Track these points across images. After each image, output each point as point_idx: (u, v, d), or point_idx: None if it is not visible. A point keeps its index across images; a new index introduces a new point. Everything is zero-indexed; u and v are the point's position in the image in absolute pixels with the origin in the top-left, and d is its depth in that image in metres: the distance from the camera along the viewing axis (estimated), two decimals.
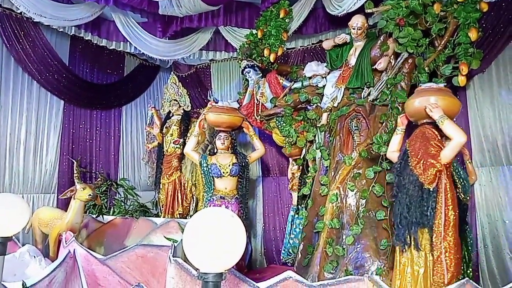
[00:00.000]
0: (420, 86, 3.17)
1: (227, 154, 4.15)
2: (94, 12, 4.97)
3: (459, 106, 3.03)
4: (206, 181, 4.08)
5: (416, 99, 2.98)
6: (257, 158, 4.55)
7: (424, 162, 2.70)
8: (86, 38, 5.39)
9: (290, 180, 4.96)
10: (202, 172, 4.10)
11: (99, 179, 5.00)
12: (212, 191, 4.04)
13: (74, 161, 4.68)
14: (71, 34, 5.24)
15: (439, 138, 2.81)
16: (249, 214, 4.97)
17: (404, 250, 2.75)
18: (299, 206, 4.44)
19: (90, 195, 4.17)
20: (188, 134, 5.29)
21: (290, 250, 4.58)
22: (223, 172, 3.99)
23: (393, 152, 3.16)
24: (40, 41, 5.08)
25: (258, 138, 4.50)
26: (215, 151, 4.22)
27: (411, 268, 2.71)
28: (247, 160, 4.19)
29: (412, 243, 2.70)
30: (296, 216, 4.53)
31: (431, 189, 2.67)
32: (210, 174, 4.01)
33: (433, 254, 2.62)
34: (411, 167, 2.77)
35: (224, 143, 4.16)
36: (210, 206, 3.91)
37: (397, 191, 2.88)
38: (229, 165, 4.02)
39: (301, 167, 4.66)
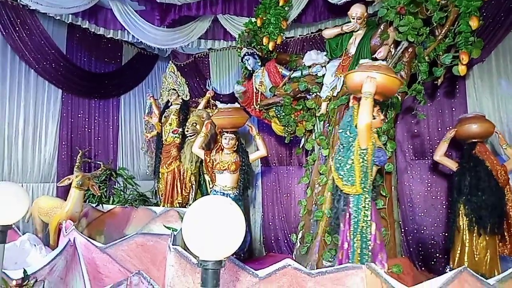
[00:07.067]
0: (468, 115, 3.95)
1: None
2: (91, 0, 4.91)
3: None
4: (364, 173, 2.85)
5: (477, 124, 3.73)
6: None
7: (502, 173, 3.63)
8: (84, 27, 5.33)
9: (215, 160, 4.38)
10: (373, 159, 2.90)
11: (99, 169, 4.99)
12: (369, 187, 2.90)
13: (80, 150, 4.70)
14: (68, 22, 5.18)
15: None
16: None
17: (480, 234, 3.55)
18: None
19: (78, 182, 4.19)
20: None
21: None
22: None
23: (442, 156, 3.91)
24: (37, 29, 5.03)
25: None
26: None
27: (484, 250, 3.53)
28: None
29: (491, 229, 3.51)
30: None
31: (506, 191, 3.65)
32: (373, 162, 2.91)
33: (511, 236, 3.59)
34: (493, 174, 3.59)
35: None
36: (372, 206, 2.93)
37: (473, 189, 3.60)
38: None
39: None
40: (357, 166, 2.82)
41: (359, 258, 2.76)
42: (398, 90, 3.35)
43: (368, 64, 3.05)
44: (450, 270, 3.52)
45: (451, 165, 3.87)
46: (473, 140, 3.80)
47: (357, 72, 2.95)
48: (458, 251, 3.65)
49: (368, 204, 2.86)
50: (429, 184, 4.42)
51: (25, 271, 2.52)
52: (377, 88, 2.81)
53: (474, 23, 3.47)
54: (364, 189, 2.84)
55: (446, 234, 4.03)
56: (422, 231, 4.36)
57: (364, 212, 2.83)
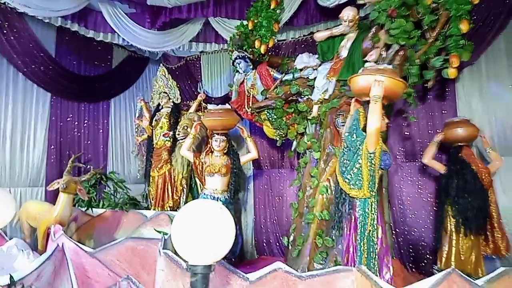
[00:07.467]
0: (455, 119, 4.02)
1: None
2: (81, 3, 4.85)
3: None
4: (372, 176, 2.84)
5: (462, 128, 3.87)
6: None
7: (486, 175, 3.74)
8: (73, 29, 5.27)
9: (203, 162, 4.29)
10: (380, 163, 2.88)
11: (89, 173, 4.92)
12: (376, 190, 2.90)
13: (73, 155, 4.64)
14: (57, 25, 5.12)
15: None
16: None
17: (466, 235, 3.66)
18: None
19: (62, 185, 4.10)
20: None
21: None
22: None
23: (430, 159, 3.99)
24: (26, 32, 4.96)
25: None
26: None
27: (469, 250, 3.66)
28: None
29: (476, 230, 3.64)
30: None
31: (489, 192, 3.77)
32: (379, 166, 2.89)
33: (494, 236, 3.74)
34: (478, 177, 3.69)
35: None
36: (378, 209, 2.92)
37: (460, 191, 3.71)
38: None
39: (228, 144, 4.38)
40: (365, 169, 2.81)
41: (366, 262, 2.74)
42: None
43: (374, 67, 3.03)
44: (437, 270, 3.60)
45: (439, 167, 3.96)
46: (459, 144, 3.90)
47: (364, 75, 2.93)
48: (446, 252, 3.77)
49: (374, 208, 2.85)
50: (419, 186, 4.44)
51: (11, 277, 2.46)
52: (384, 91, 2.78)
53: (464, 27, 3.51)
54: (372, 192, 2.83)
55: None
56: (413, 233, 4.37)
57: (371, 216, 2.82)
